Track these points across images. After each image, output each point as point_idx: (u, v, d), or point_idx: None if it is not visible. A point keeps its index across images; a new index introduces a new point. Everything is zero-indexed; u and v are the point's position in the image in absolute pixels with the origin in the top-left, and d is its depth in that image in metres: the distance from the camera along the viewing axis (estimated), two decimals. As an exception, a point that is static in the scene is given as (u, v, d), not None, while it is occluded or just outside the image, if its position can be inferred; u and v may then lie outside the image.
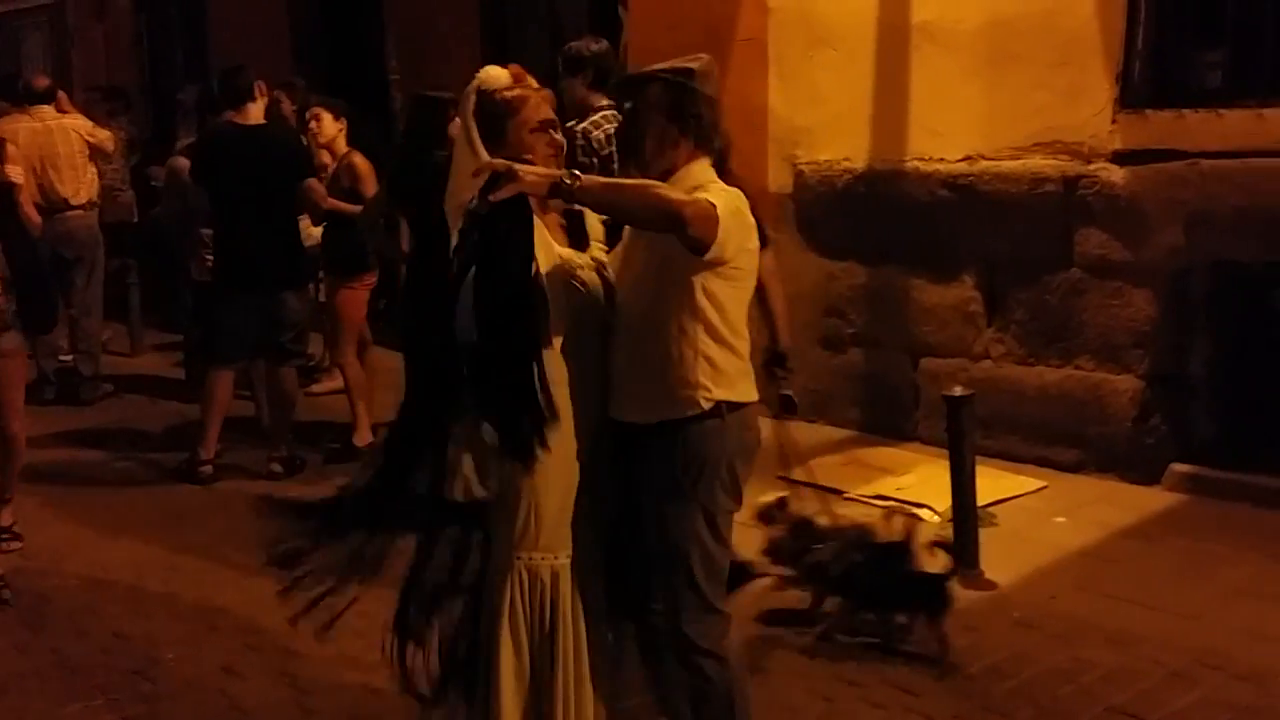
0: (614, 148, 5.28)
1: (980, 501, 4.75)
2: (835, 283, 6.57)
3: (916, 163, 6.14)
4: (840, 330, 6.58)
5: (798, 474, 5.66)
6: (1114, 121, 5.57)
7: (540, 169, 2.77)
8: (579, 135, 5.34)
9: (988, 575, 4.52)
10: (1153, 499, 5.42)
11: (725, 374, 2.91)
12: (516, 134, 2.96)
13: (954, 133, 6.01)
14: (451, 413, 2.90)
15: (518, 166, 2.70)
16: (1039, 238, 5.76)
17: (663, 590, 3.00)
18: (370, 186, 6.24)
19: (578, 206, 2.92)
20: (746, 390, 2.98)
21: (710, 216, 2.74)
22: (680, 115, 2.94)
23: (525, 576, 2.93)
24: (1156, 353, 5.58)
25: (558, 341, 2.89)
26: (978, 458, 4.67)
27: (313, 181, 6.12)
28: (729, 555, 3.06)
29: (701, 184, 2.89)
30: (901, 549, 3.97)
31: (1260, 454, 5.43)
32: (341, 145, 6.60)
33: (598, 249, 3.08)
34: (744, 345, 2.96)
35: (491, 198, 2.69)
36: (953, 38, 5.94)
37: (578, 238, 3.04)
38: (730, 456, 2.94)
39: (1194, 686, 3.73)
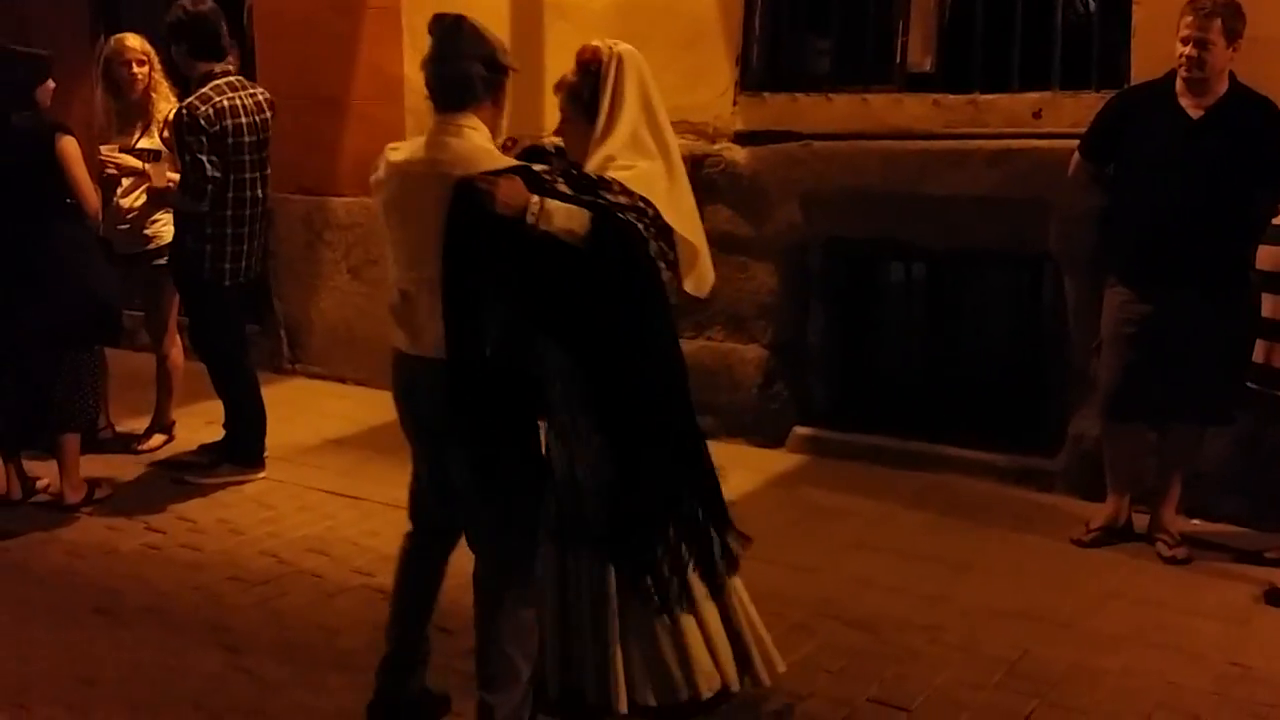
0: (224, 124, 4.98)
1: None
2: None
3: (555, 139, 6.16)
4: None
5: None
6: (735, 103, 5.84)
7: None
8: (184, 112, 4.97)
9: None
10: (777, 461, 5.76)
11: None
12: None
13: (589, 110, 6.08)
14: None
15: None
16: (668, 214, 5.95)
17: None
18: None
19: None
20: (397, 337, 3.19)
21: None
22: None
23: None
24: (779, 324, 5.92)
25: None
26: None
27: None
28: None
29: None
30: None
31: (871, 415, 5.89)
32: None
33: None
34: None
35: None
36: (584, 15, 6.02)
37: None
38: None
39: (812, 635, 3.97)
